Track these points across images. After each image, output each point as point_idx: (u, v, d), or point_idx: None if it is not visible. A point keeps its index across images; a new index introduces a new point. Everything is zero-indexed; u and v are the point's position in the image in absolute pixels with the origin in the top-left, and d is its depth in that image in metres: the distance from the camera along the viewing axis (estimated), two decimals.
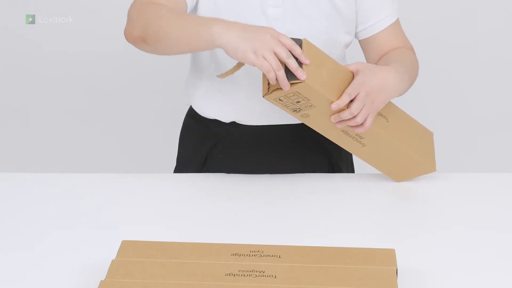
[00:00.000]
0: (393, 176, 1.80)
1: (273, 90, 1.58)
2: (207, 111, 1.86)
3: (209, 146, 1.89)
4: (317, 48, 1.61)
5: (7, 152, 3.21)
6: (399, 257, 1.44)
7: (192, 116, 1.92)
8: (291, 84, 1.55)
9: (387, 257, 1.40)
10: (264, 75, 1.59)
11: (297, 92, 1.57)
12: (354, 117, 1.62)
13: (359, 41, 1.86)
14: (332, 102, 1.59)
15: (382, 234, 1.61)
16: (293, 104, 1.60)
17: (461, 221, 1.65)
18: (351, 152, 1.77)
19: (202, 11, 1.75)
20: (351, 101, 1.61)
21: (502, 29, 3.09)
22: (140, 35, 1.64)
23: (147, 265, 1.37)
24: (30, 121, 3.19)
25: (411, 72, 1.77)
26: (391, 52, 1.82)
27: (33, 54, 3.10)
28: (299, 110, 1.63)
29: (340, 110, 1.61)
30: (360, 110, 1.61)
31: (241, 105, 1.82)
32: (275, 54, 1.54)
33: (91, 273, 1.42)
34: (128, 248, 1.43)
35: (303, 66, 1.55)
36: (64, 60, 3.11)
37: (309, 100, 1.59)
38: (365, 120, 1.63)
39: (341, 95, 1.60)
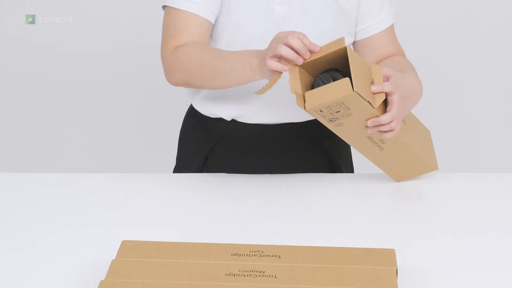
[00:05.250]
0: (394, 175, 1.79)
1: (317, 102, 1.55)
2: (209, 108, 1.86)
3: (209, 146, 1.89)
4: (357, 54, 1.58)
5: (7, 152, 3.21)
6: (399, 257, 1.44)
7: (192, 116, 1.92)
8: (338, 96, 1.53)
9: (387, 257, 1.40)
10: (296, 94, 1.57)
11: (341, 102, 1.54)
12: (390, 122, 1.60)
13: (354, 42, 1.86)
14: (372, 108, 1.56)
15: (382, 234, 1.60)
16: (332, 114, 1.58)
17: (461, 221, 1.65)
18: (365, 157, 1.73)
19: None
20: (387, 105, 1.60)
21: (502, 29, 3.09)
22: (185, 81, 1.74)
23: (147, 265, 1.37)
24: (30, 121, 3.18)
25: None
26: (394, 59, 1.82)
27: (33, 54, 3.10)
28: (335, 120, 1.60)
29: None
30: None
31: (243, 99, 1.81)
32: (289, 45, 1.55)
33: (91, 273, 1.42)
34: (128, 248, 1.43)
35: (353, 78, 1.52)
36: (64, 60, 3.11)
37: (349, 109, 1.57)
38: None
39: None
